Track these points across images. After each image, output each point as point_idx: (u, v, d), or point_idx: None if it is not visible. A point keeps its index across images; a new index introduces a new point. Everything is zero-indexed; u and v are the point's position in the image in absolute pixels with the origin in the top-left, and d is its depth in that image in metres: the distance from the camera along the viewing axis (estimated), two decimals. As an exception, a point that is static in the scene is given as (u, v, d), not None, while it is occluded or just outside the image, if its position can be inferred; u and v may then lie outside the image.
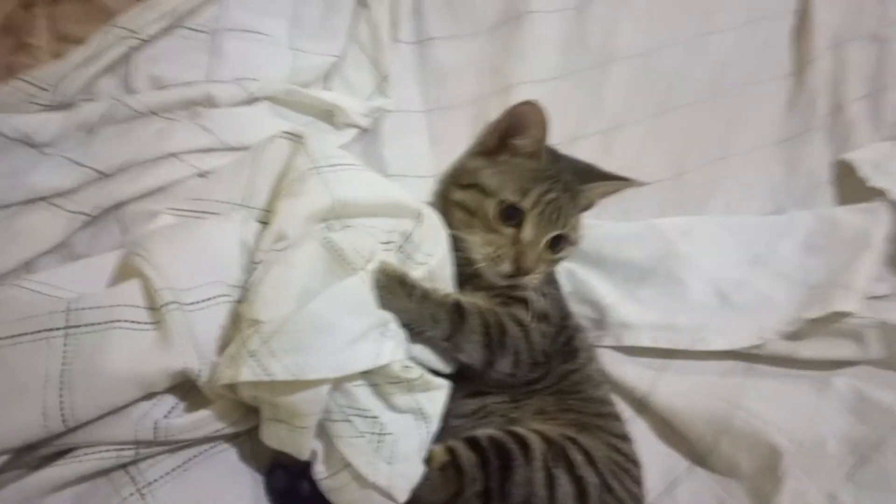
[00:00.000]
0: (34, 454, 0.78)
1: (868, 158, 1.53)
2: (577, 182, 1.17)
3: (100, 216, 1.01)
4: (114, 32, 1.08)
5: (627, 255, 1.34)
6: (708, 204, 1.50)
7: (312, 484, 0.85)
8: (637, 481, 1.05)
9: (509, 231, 1.09)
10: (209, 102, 1.10)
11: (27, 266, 0.95)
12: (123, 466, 0.80)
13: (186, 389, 0.85)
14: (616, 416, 1.14)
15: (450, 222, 1.12)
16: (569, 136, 1.44)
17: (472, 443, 0.94)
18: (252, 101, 1.14)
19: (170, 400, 0.83)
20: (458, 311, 0.99)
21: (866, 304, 1.34)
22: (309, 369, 0.77)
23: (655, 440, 1.26)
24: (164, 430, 0.79)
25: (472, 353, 1.00)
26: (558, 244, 1.14)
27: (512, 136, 1.14)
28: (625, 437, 1.10)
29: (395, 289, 0.93)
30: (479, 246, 1.09)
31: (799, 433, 1.19)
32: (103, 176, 1.01)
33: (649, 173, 1.45)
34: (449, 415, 1.00)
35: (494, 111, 1.40)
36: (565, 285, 1.31)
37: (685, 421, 1.22)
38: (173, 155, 1.04)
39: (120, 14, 1.11)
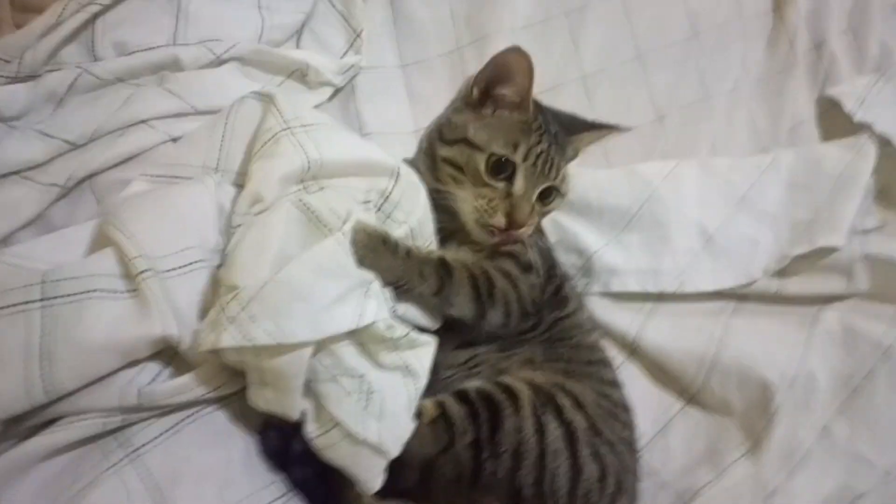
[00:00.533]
0: (22, 425, 0.78)
1: (852, 93, 1.51)
2: (564, 133, 1.15)
3: (74, 187, 1.00)
4: (74, 0, 1.05)
5: (611, 201, 1.33)
6: (690, 147, 1.48)
7: (304, 443, 0.85)
8: (627, 426, 1.06)
9: (500, 185, 1.07)
10: (176, 66, 1.08)
11: (5, 240, 0.95)
12: (112, 433, 0.80)
13: (171, 356, 0.85)
14: (606, 363, 1.15)
15: (437, 178, 1.11)
16: (549, 84, 1.42)
17: (462, 396, 0.94)
18: (220, 63, 1.12)
19: (154, 367, 0.83)
20: (444, 265, 0.98)
21: (853, 239, 1.34)
22: (290, 333, 0.77)
23: (648, 383, 1.27)
24: (149, 396, 0.79)
25: (463, 307, 0.99)
26: (549, 196, 1.13)
27: (496, 86, 1.11)
28: (614, 384, 1.11)
29: (377, 247, 0.92)
30: (470, 201, 1.07)
31: (789, 369, 1.20)
32: (74, 146, 1.00)
33: (631, 118, 1.44)
34: (440, 366, 1.00)
35: (471, 62, 1.39)
36: (551, 235, 1.30)
37: (675, 361, 1.23)
38: (143, 121, 1.02)
39: (80, -20, 1.09)
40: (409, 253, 0.95)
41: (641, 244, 1.32)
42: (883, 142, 1.41)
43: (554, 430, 0.93)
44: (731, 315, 1.29)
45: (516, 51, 1.06)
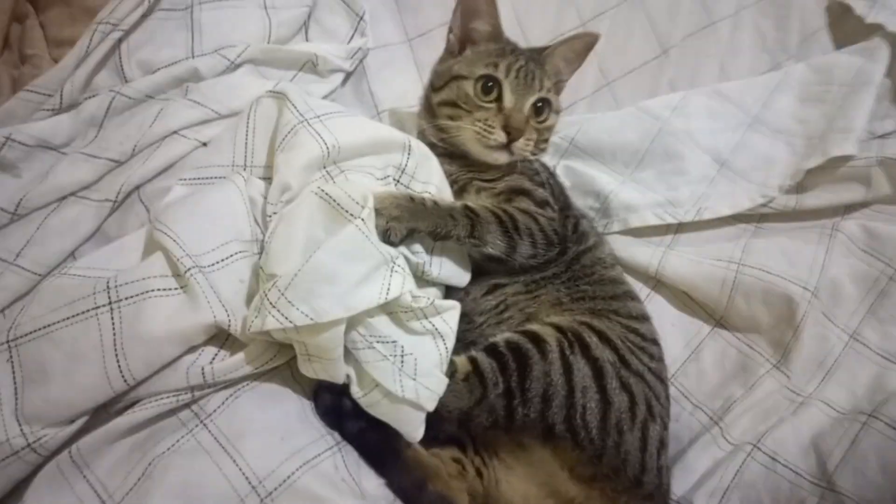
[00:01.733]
0: (106, 411, 0.91)
1: (863, -5, 1.50)
2: (537, 53, 1.23)
3: (124, 200, 1.11)
4: (98, 29, 1.16)
5: (622, 140, 1.37)
6: (698, 75, 1.51)
7: (353, 401, 0.96)
8: (654, 357, 1.11)
9: (492, 104, 1.15)
10: (196, 77, 1.18)
11: (70, 256, 1.07)
12: (187, 405, 0.92)
13: (224, 338, 0.95)
14: (632, 296, 1.19)
15: (439, 127, 1.20)
16: (550, 31, 1.46)
17: (491, 350, 1.01)
18: (235, 67, 1.21)
19: (212, 349, 0.94)
20: (469, 209, 1.06)
21: (870, 144, 1.34)
22: (323, 313, 0.86)
23: (676, 311, 1.31)
24: (212, 374, 0.91)
25: (496, 242, 1.06)
26: (542, 111, 1.19)
27: (469, 24, 1.21)
28: (641, 317, 1.15)
29: (407, 204, 1.00)
30: (470, 128, 1.15)
31: (811, 278, 1.23)
32: (119, 163, 1.11)
33: (635, 57, 1.48)
34: (472, 313, 1.10)
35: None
36: (566, 181, 1.35)
37: (698, 287, 1.27)
38: (175, 132, 1.12)
39: (101, 10, 1.19)
40: (435, 203, 1.04)
41: (656, 178, 1.36)
42: (896, 41, 1.40)
43: (582, 369, 0.99)
44: (750, 237, 1.32)
45: None
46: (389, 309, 0.95)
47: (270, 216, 1.01)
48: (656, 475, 1.01)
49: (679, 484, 1.12)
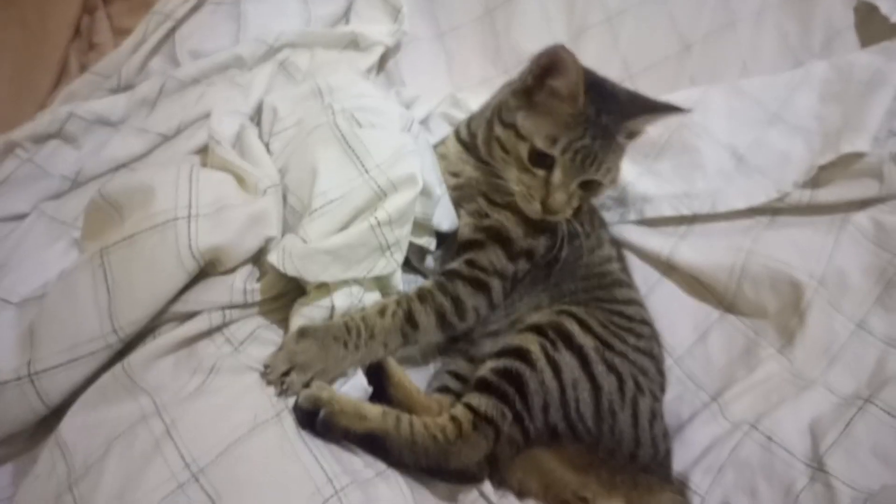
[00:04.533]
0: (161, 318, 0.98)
1: (890, -5, 1.52)
2: (620, 120, 1.13)
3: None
4: (153, 20, 1.29)
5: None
6: (720, 71, 1.54)
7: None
8: (642, 335, 1.15)
9: (541, 173, 1.12)
10: (240, 63, 1.29)
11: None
12: (219, 329, 0.99)
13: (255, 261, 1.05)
14: (622, 283, 1.22)
15: (490, 152, 1.19)
16: (576, 29, 1.53)
17: (484, 386, 1.03)
18: (274, 51, 1.31)
19: (248, 269, 1.03)
20: (409, 321, 1.06)
21: (887, 142, 1.36)
22: (312, 275, 0.98)
23: (685, 296, 1.35)
24: (252, 293, 1.00)
25: (430, 336, 1.10)
26: (592, 187, 1.16)
27: (548, 77, 1.11)
28: (628, 301, 1.19)
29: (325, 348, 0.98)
30: (514, 182, 1.14)
31: (818, 267, 1.26)
32: (166, 138, 1.23)
33: (656, 51, 1.53)
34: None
35: (501, 22, 1.52)
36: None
37: (708, 273, 1.31)
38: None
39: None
40: (372, 335, 1.02)
41: (673, 170, 1.40)
42: (919, 41, 1.41)
43: (569, 362, 1.03)
44: (763, 229, 1.35)
45: (563, 49, 1.06)
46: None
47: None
48: (651, 446, 1.06)
49: (678, 459, 1.15)
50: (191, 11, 1.30)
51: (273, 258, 0.97)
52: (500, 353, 1.06)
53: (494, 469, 1.04)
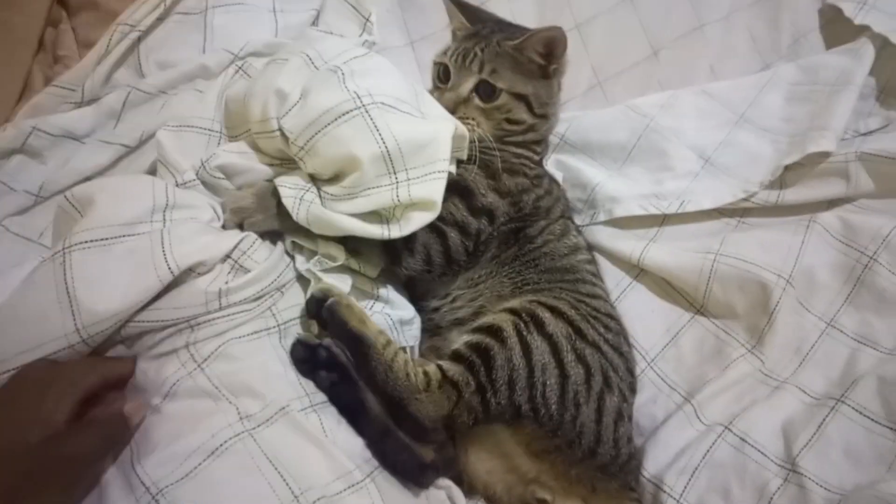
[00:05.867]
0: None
1: (853, -3, 1.54)
2: (496, 30, 1.31)
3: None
4: (118, 31, 1.27)
5: (611, 137, 1.43)
6: (689, 76, 1.56)
7: (328, 352, 1.02)
8: (611, 329, 1.16)
9: (443, 86, 1.29)
10: (206, 73, 1.28)
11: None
12: (185, 346, 0.96)
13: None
14: (586, 281, 1.23)
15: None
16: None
17: (456, 356, 1.06)
18: (240, 60, 1.30)
19: (225, 270, 1.00)
20: None
21: (852, 142, 1.38)
22: (318, 230, 1.06)
23: (657, 299, 1.35)
24: (226, 293, 0.96)
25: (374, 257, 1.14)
26: (489, 93, 1.25)
27: (452, 26, 1.40)
28: (595, 296, 1.20)
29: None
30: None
31: (786, 267, 1.26)
32: (130, 149, 1.21)
33: (627, 57, 1.54)
34: (428, 306, 1.22)
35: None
36: (558, 174, 1.41)
37: (678, 275, 1.31)
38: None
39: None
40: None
41: (643, 173, 1.41)
42: (883, 42, 1.43)
43: (540, 346, 1.04)
44: (732, 230, 1.37)
45: None
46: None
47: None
48: (612, 446, 1.05)
49: (652, 462, 1.16)
50: (156, 22, 1.29)
51: (288, 202, 1.02)
52: (475, 330, 1.09)
53: (451, 432, 1.05)
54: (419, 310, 1.22)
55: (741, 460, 1.12)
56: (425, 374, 1.03)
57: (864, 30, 1.49)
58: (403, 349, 1.09)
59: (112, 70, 1.28)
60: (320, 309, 1.02)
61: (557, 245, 1.25)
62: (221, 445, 0.87)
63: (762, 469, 1.11)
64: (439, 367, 1.05)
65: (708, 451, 1.14)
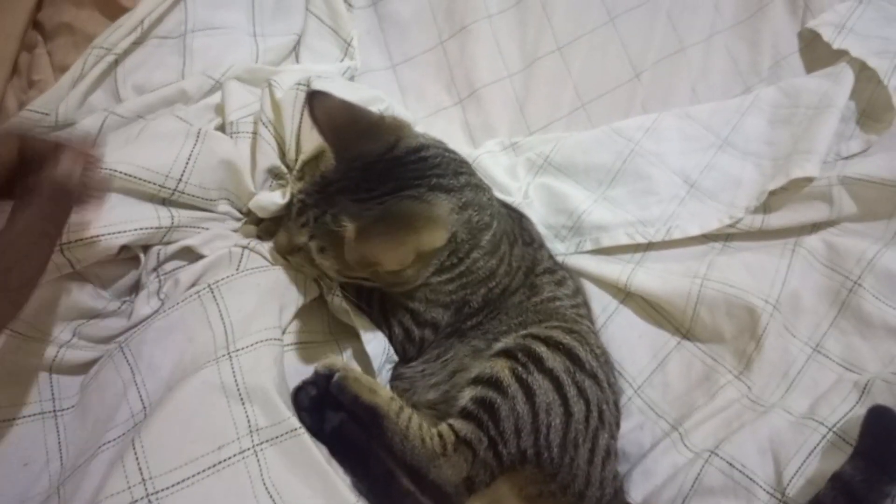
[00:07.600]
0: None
1: (832, 21, 1.55)
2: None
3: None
4: (94, 53, 1.25)
5: (595, 160, 1.42)
6: (671, 98, 1.56)
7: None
8: (599, 357, 1.12)
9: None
10: (185, 97, 1.26)
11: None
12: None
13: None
14: (561, 317, 1.18)
15: None
16: (528, 58, 1.54)
17: (464, 414, 1.03)
18: (220, 86, 1.28)
19: None
20: None
21: (834, 165, 1.38)
22: None
23: (643, 324, 1.33)
24: None
25: None
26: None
27: None
28: (571, 331, 1.13)
29: None
30: None
31: (773, 291, 1.26)
32: (106, 174, 1.18)
33: (609, 80, 1.54)
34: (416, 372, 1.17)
35: (453, 52, 1.52)
36: (541, 198, 1.41)
37: (665, 299, 1.30)
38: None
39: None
40: None
41: (627, 197, 1.41)
42: (861, 65, 1.44)
43: (542, 384, 1.01)
44: (717, 254, 1.36)
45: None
46: None
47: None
48: (598, 487, 1.03)
49: (639, 489, 1.14)
50: (133, 46, 1.26)
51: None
52: (475, 381, 1.05)
53: (472, 493, 1.01)
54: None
55: (730, 486, 1.10)
56: (440, 436, 1.00)
57: (840, 54, 1.50)
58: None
59: (87, 93, 1.25)
60: (326, 383, 1.00)
61: (527, 304, 1.20)
62: (225, 461, 0.86)
63: (751, 496, 1.09)
64: (451, 427, 1.01)
65: (697, 477, 1.12)
